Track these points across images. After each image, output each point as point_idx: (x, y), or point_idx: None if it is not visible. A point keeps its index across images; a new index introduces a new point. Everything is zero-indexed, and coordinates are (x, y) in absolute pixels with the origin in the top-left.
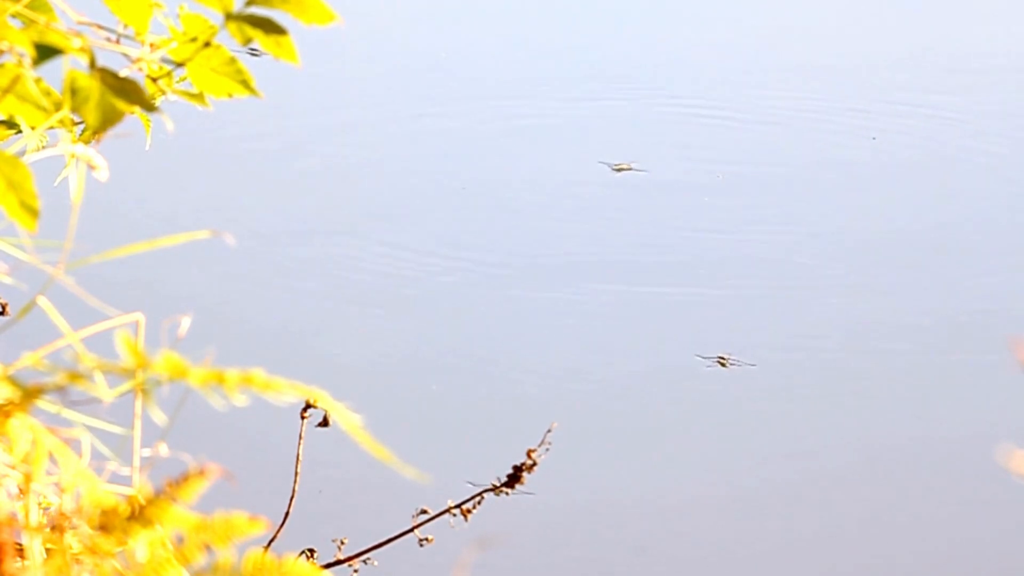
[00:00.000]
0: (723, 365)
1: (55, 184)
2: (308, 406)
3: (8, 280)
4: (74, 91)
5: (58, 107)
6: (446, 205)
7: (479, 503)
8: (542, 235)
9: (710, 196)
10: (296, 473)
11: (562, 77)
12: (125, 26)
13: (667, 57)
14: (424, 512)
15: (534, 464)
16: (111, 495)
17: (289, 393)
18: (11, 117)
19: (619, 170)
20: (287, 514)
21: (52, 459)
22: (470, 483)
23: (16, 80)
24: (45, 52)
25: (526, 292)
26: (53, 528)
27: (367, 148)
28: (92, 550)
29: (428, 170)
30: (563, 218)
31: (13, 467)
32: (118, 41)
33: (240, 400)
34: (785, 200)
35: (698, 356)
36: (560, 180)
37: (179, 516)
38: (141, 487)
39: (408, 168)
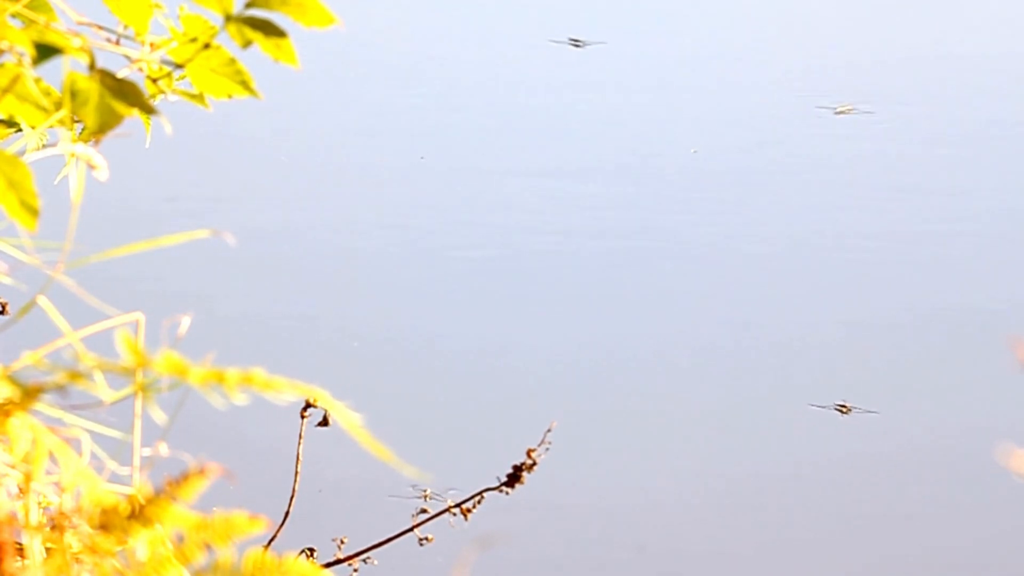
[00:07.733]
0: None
1: (55, 184)
2: (308, 405)
3: (8, 280)
4: (73, 93)
5: (58, 107)
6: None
7: (479, 503)
8: (539, 223)
9: (700, 187)
10: (296, 473)
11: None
12: (125, 27)
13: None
14: (424, 512)
15: (534, 464)
16: (111, 494)
17: (289, 392)
18: (11, 117)
19: (841, 112)
20: (287, 514)
21: (52, 458)
22: (454, 489)
23: (16, 80)
24: (45, 52)
25: (522, 282)
26: (53, 528)
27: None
28: (92, 549)
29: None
30: (563, 208)
31: (13, 467)
32: (118, 42)
33: (240, 399)
34: (781, 198)
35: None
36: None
37: (179, 515)
38: (141, 486)
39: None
